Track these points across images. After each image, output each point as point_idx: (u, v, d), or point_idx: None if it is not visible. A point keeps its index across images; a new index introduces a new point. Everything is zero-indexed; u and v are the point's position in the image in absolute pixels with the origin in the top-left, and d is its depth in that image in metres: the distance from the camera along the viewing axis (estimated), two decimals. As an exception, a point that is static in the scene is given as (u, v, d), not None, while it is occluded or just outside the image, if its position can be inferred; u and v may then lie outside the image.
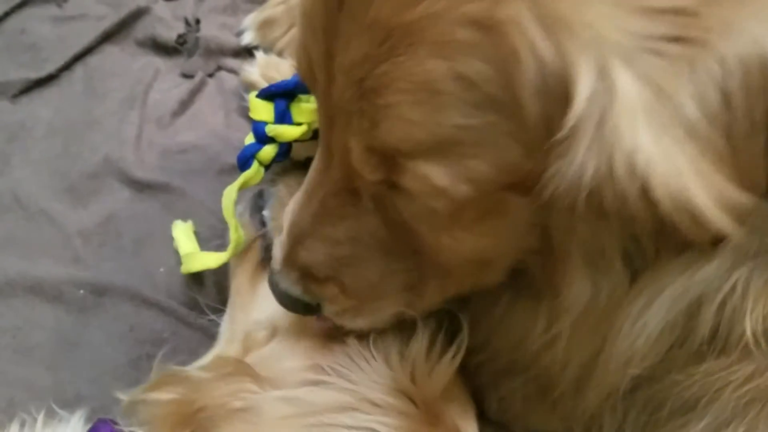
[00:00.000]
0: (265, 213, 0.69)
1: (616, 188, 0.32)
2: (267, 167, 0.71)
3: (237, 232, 0.67)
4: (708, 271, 0.40)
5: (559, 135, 0.33)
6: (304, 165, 0.71)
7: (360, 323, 0.54)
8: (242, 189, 0.69)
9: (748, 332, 0.39)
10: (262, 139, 0.70)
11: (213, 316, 0.70)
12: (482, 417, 0.60)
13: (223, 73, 0.94)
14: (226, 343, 0.64)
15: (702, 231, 0.33)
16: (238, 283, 0.68)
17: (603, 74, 0.32)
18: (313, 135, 0.71)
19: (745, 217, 0.34)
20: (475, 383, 0.60)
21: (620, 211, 0.33)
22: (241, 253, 0.68)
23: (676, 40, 0.32)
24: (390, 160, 0.38)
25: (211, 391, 0.53)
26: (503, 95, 0.34)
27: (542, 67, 0.33)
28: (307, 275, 0.51)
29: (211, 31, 0.96)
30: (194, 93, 0.92)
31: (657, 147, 0.31)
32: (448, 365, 0.54)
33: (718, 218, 0.32)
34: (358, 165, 0.41)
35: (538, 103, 0.34)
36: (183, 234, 0.76)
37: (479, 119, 0.35)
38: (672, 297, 0.42)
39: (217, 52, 0.95)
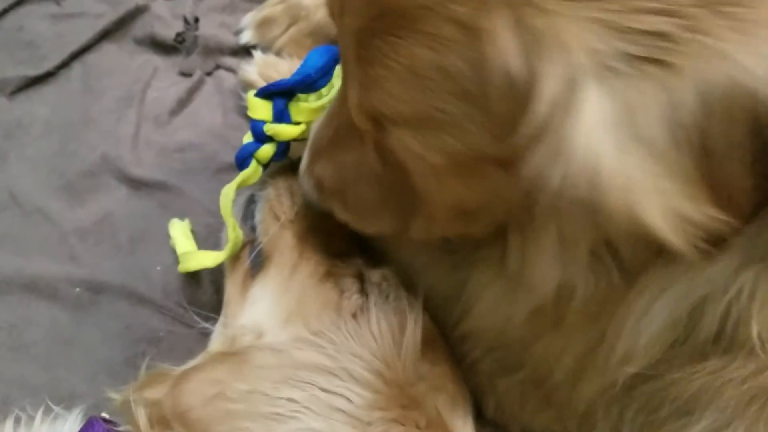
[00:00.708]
0: (257, 216, 0.69)
1: (574, 196, 0.34)
2: (265, 166, 0.71)
3: (235, 232, 0.66)
4: (713, 272, 0.40)
5: (520, 136, 0.36)
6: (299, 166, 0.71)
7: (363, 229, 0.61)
8: (240, 188, 0.69)
9: (755, 335, 0.39)
10: (261, 138, 0.69)
11: (206, 325, 0.69)
12: (481, 418, 0.60)
13: (221, 72, 0.94)
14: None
15: (650, 244, 0.35)
16: (230, 292, 0.68)
17: (569, 87, 0.33)
18: (312, 134, 0.72)
19: (724, 233, 0.35)
20: (472, 382, 0.60)
21: (584, 216, 0.35)
22: (232, 262, 0.69)
23: (654, 62, 0.33)
24: (377, 120, 0.43)
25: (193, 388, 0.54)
26: (475, 90, 0.37)
27: (508, 75, 0.35)
28: (318, 185, 0.59)
29: (209, 29, 0.96)
30: (192, 92, 0.92)
31: (617, 162, 0.33)
32: (411, 344, 0.56)
33: (667, 235, 0.34)
34: (353, 114, 0.46)
35: (505, 104, 0.36)
36: (180, 233, 0.76)
37: (454, 106, 0.38)
38: (676, 296, 0.42)
39: (216, 50, 0.94)
